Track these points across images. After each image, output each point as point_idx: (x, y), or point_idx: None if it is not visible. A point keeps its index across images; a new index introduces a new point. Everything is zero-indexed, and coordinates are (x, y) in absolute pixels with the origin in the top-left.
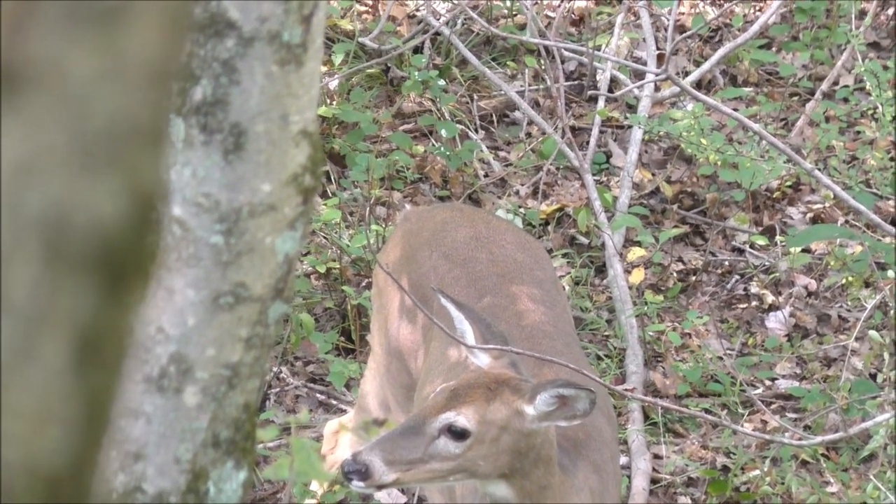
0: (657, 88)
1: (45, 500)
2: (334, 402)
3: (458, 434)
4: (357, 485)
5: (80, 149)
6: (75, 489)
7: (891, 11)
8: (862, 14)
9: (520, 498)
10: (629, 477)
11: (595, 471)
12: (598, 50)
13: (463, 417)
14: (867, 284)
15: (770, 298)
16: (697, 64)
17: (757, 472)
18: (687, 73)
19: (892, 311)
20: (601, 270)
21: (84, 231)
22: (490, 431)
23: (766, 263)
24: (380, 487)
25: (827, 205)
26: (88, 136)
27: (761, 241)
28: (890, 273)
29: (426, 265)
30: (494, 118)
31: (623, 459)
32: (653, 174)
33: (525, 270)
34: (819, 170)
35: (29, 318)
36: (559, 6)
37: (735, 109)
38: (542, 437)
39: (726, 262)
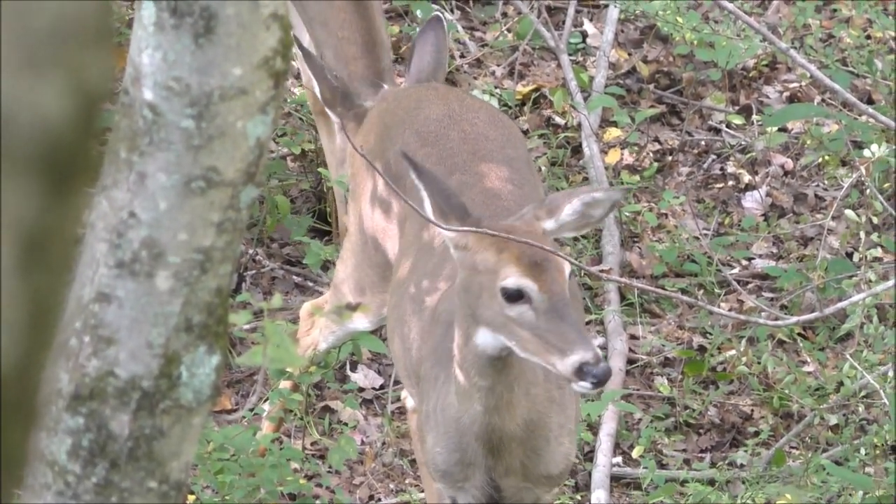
0: None
1: None
2: (311, 285)
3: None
4: (594, 391)
5: (24, 48)
6: (21, 390)
7: None
8: None
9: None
10: (606, 357)
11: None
12: None
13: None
14: (843, 163)
15: (746, 178)
16: None
17: (733, 352)
18: None
19: (868, 190)
20: (577, 151)
21: (28, 131)
22: None
23: (743, 143)
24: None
25: (803, 83)
26: (32, 35)
27: (738, 121)
28: (866, 152)
29: (398, 143)
30: None
31: (599, 340)
32: (629, 54)
33: (496, 148)
34: (795, 49)
35: None
36: None
37: None
38: None
39: (703, 142)
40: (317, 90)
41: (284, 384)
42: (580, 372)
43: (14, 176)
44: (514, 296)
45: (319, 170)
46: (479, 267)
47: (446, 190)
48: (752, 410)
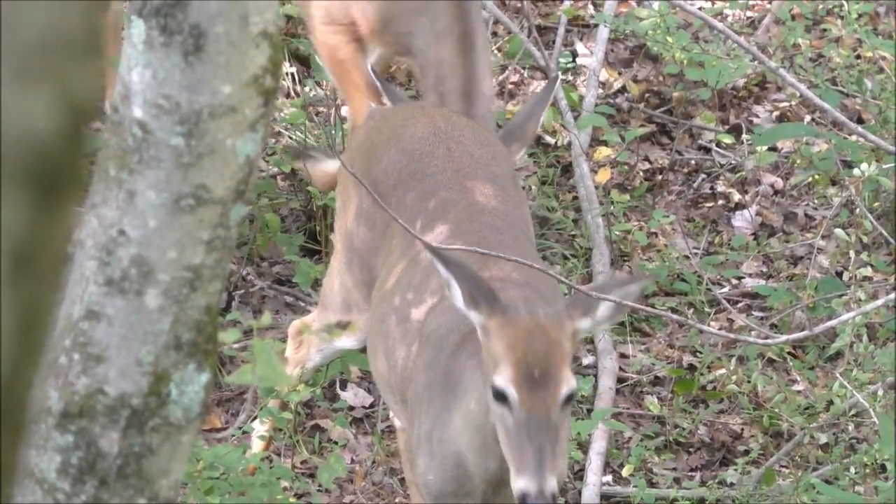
0: None
1: None
2: (301, 304)
3: (570, 396)
4: None
5: (13, 60)
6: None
7: None
8: None
9: None
10: (596, 376)
11: None
12: None
13: (572, 381)
14: (833, 182)
15: (736, 197)
16: None
17: (723, 370)
18: None
19: (857, 209)
20: (567, 170)
21: (17, 143)
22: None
23: (733, 162)
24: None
25: (793, 103)
26: (21, 47)
27: (727, 140)
28: (856, 171)
29: (384, 160)
30: None
31: (590, 359)
32: (619, 73)
33: (481, 166)
34: (785, 68)
35: None
36: None
37: (700, 8)
38: None
39: (693, 161)
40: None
41: (273, 403)
42: (521, 498)
43: (2, 188)
44: (499, 396)
45: (309, 188)
46: (490, 352)
47: (475, 276)
48: (742, 429)
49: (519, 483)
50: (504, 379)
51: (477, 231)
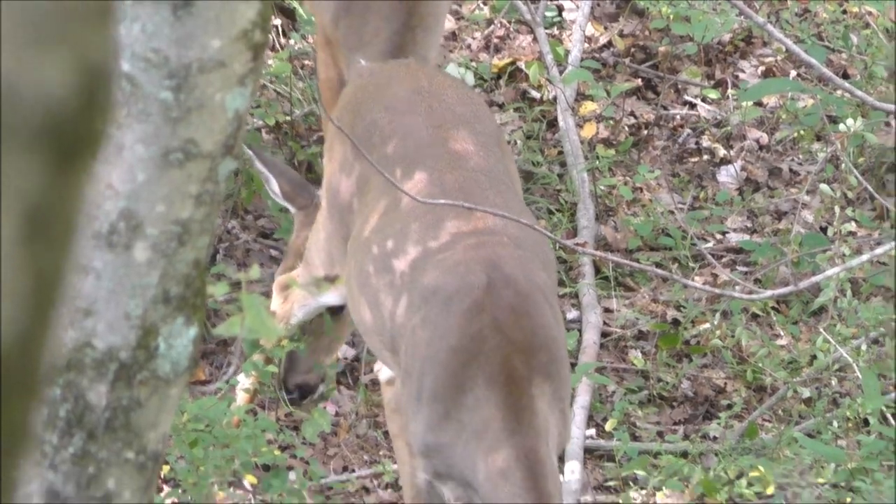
0: None
1: None
2: (285, 257)
3: None
4: None
5: (28, 24)
6: (23, 364)
7: None
8: None
9: None
10: (580, 331)
11: (547, 376)
12: None
13: None
14: (818, 138)
15: (721, 152)
16: None
17: (707, 325)
18: None
19: (843, 165)
20: (553, 125)
21: (32, 107)
22: None
23: (718, 117)
24: None
25: (779, 58)
26: (36, 11)
27: (713, 95)
28: (841, 126)
29: (368, 118)
30: None
31: (574, 314)
32: (605, 28)
33: (463, 122)
34: (771, 23)
35: None
36: None
37: None
38: None
39: (678, 116)
40: (275, 187)
41: (257, 357)
42: None
43: (18, 151)
44: None
45: (290, 143)
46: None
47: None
48: (726, 383)
49: None
50: None
51: (460, 184)
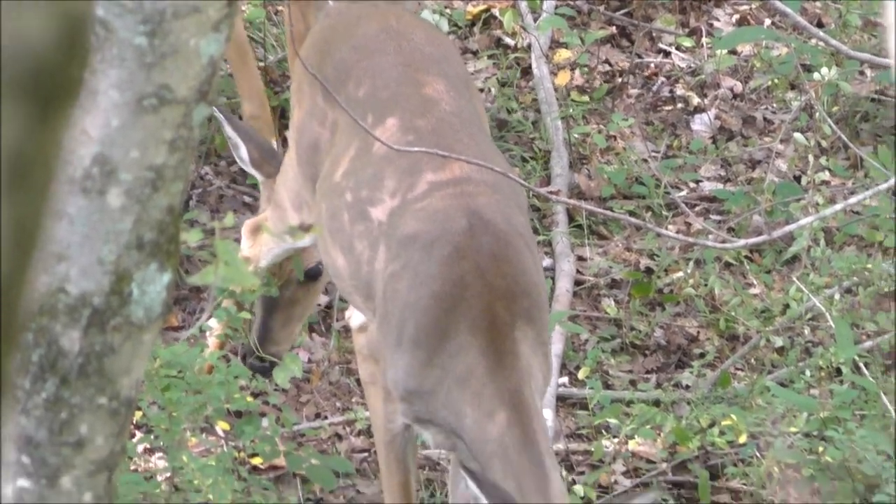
0: None
1: None
2: (259, 203)
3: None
4: None
5: None
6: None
7: None
8: None
9: None
10: (553, 279)
11: (528, 320)
12: None
13: None
14: (793, 86)
15: (695, 100)
16: None
17: (680, 273)
18: None
19: (817, 113)
20: (527, 72)
21: (13, 56)
22: None
23: (692, 65)
24: None
25: (753, 6)
26: None
27: (687, 43)
28: (816, 75)
29: (336, 56)
30: None
31: (547, 262)
32: None
33: (432, 63)
34: None
35: None
36: None
37: None
38: None
39: (652, 65)
40: (243, 153)
41: (227, 302)
42: None
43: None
44: None
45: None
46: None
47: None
48: (698, 332)
49: None
50: None
51: (433, 128)
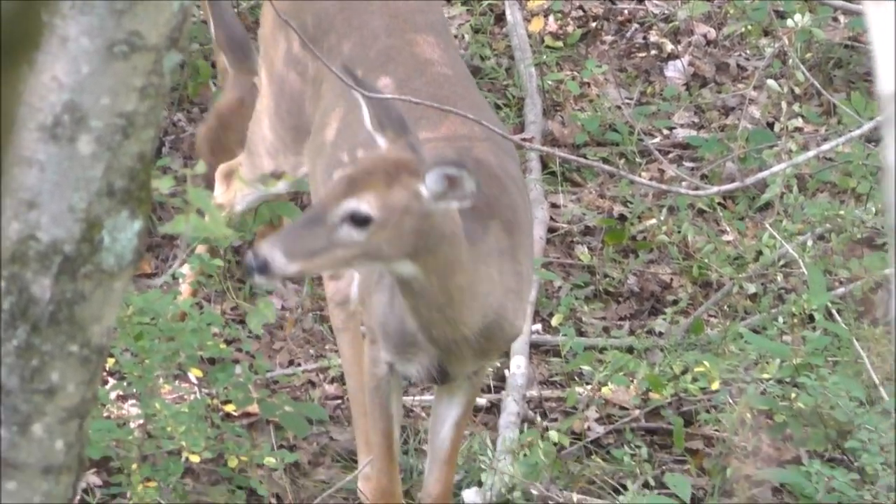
0: None
1: None
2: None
3: (361, 221)
4: (260, 280)
5: None
6: None
7: None
8: None
9: (426, 275)
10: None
11: (506, 229)
12: None
13: (365, 204)
14: (766, 33)
15: (669, 47)
16: None
17: (653, 220)
18: None
19: (790, 60)
20: (501, 18)
21: None
22: (392, 216)
23: (666, 12)
24: (284, 279)
25: None
26: None
27: None
28: (789, 21)
29: (316, 6)
30: None
31: None
32: None
33: (417, 12)
34: None
35: None
36: None
37: None
38: (442, 216)
39: (626, 11)
40: (213, 31)
41: (202, 249)
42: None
43: None
44: None
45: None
46: None
47: (387, 103)
48: (672, 279)
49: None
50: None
51: (429, 83)
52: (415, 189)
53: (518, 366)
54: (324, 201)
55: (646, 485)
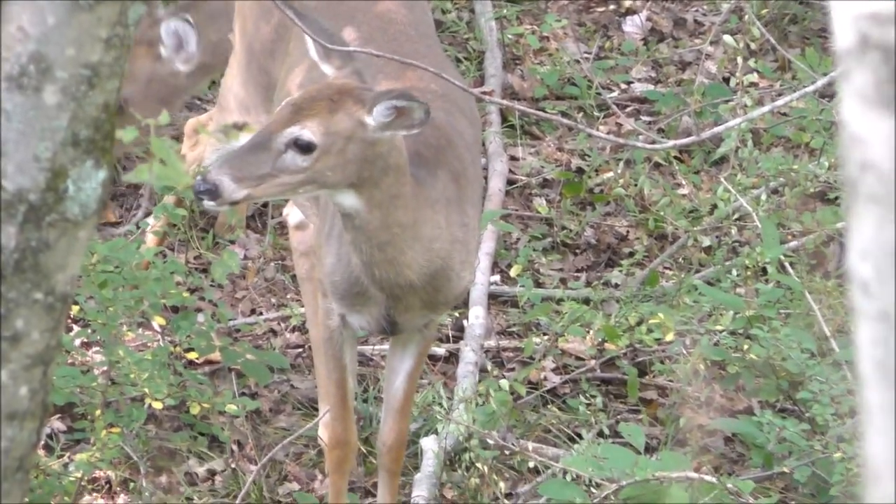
0: None
1: None
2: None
3: (304, 147)
4: (209, 204)
5: None
6: None
7: None
8: None
9: (369, 208)
10: (486, 178)
11: (454, 179)
12: None
13: (307, 130)
14: None
15: (627, 2)
16: None
17: (611, 174)
18: None
19: (746, 16)
20: None
21: None
22: (335, 142)
23: None
24: (232, 204)
25: None
26: None
27: None
28: None
29: None
30: None
31: (482, 161)
32: None
33: None
34: None
35: None
36: None
37: None
38: (387, 145)
39: None
40: None
41: (168, 199)
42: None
43: None
44: None
45: None
46: None
47: (328, 30)
48: (628, 231)
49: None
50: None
51: (391, 40)
52: (359, 116)
53: (476, 316)
54: (270, 128)
55: (601, 434)
